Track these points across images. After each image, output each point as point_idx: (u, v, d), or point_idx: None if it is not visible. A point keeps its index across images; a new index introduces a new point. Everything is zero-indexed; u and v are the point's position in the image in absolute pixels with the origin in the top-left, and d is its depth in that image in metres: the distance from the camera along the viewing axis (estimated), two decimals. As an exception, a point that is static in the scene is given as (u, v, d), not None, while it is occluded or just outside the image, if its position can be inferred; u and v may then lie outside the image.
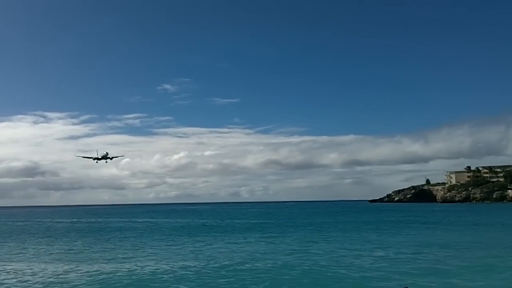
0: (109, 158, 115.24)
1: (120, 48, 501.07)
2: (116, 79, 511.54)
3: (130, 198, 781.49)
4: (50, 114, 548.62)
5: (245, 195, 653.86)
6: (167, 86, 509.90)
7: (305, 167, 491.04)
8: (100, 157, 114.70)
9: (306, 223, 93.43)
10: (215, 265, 35.32)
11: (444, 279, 28.72)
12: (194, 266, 34.86)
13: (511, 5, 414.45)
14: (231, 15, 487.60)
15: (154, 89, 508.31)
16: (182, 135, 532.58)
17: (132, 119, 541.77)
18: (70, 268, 34.70)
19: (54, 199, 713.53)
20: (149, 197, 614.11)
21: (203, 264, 36.15)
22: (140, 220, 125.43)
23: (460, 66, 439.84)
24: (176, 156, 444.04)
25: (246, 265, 35.17)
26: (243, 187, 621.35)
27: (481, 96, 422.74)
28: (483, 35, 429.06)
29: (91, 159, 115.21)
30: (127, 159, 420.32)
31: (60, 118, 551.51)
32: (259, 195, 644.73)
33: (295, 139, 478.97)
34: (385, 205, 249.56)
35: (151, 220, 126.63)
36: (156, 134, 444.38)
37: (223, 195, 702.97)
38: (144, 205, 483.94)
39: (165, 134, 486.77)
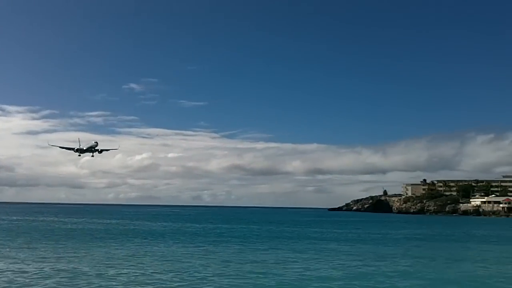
0: (97, 150, 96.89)
1: (87, 43, 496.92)
2: (81, 75, 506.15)
3: (88, 197, 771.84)
4: (9, 108, 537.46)
5: (207, 199, 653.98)
6: (133, 86, 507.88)
7: (269, 173, 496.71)
8: (84, 148, 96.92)
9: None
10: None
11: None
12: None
13: (466, 24, 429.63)
14: (203, 18, 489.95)
15: (120, 87, 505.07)
16: (146, 136, 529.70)
17: (95, 116, 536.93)
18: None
19: (8, 195, 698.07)
20: (109, 197, 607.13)
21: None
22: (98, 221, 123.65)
23: (420, 84, 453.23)
24: (138, 157, 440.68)
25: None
26: (205, 191, 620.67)
27: (438, 114, 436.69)
28: (440, 54, 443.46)
29: (72, 151, 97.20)
30: (87, 157, 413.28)
31: (19, 112, 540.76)
32: (222, 200, 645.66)
33: (260, 145, 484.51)
34: (343, 213, 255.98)
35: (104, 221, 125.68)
36: (120, 133, 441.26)
37: (185, 198, 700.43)
38: (102, 205, 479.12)
39: (129, 134, 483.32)
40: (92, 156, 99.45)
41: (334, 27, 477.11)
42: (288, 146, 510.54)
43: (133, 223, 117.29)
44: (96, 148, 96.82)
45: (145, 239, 65.73)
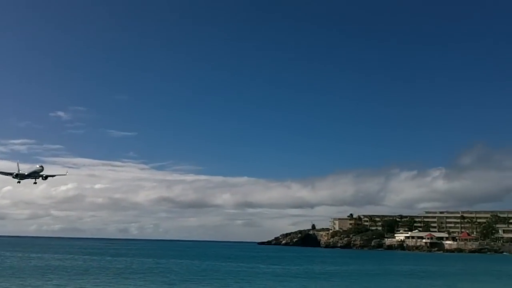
0: (41, 176, 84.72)
1: (15, 68, 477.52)
2: (6, 101, 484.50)
3: (9, 229, 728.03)
4: None
5: (134, 232, 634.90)
6: (60, 114, 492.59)
7: (198, 206, 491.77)
8: (26, 174, 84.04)
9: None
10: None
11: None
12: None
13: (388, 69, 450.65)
14: (133, 47, 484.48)
15: (46, 115, 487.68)
16: (72, 166, 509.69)
17: (18, 144, 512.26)
18: None
19: None
20: (31, 229, 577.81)
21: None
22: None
23: (347, 119, 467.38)
24: (63, 187, 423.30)
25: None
26: (133, 223, 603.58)
27: (365, 149, 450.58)
28: (365, 95, 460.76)
29: (10, 177, 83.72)
30: (8, 187, 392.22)
31: None
32: (149, 233, 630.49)
33: (190, 177, 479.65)
34: (272, 247, 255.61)
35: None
36: (44, 162, 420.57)
37: (112, 231, 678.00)
38: (24, 237, 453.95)
39: (54, 163, 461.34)
40: (35, 183, 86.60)
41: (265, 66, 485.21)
42: (218, 178, 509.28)
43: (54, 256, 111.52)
44: (40, 173, 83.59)
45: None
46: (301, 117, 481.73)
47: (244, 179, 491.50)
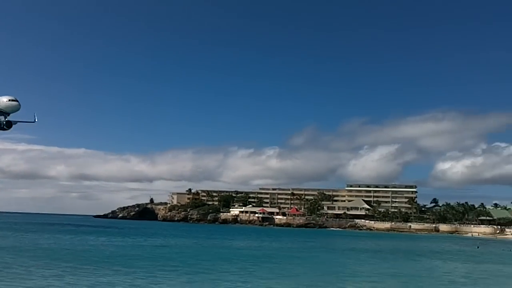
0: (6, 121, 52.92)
1: None
2: None
3: None
4: None
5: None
6: None
7: (31, 177, 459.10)
8: None
9: None
10: None
11: None
12: None
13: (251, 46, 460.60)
14: None
15: None
16: None
17: None
18: None
19: None
20: None
21: None
22: None
23: (188, 100, 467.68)
24: None
25: None
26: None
27: (205, 129, 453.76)
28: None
29: None
30: None
31: None
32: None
33: (21, 146, 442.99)
34: (108, 221, 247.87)
35: None
36: None
37: None
38: None
39: None
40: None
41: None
42: (53, 149, 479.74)
43: None
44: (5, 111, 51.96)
45: None
46: (147, 83, 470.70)
47: (82, 150, 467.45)
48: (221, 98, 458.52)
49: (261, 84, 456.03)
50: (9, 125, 55.23)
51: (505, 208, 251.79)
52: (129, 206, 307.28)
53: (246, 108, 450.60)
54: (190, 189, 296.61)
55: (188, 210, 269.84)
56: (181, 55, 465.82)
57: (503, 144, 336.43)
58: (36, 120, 60.74)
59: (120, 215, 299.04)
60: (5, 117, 53.40)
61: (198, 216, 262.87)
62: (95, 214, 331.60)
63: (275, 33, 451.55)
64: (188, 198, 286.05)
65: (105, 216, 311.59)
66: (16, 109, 52.01)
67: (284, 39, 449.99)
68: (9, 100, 51.75)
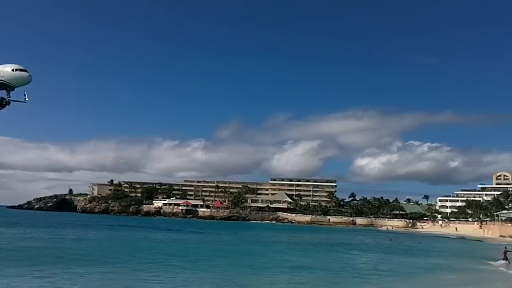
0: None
1: None
2: None
3: None
4: None
5: None
6: None
7: None
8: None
9: None
10: None
11: None
12: None
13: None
14: None
15: None
16: None
17: None
18: None
19: None
20: None
21: None
22: None
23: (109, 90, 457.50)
24: None
25: None
26: None
27: (126, 120, 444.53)
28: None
29: None
30: None
31: None
32: None
33: None
34: (23, 212, 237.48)
35: None
36: None
37: None
38: None
39: None
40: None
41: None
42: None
43: None
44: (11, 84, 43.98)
45: None
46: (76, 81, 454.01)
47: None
48: (147, 90, 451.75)
49: (187, 78, 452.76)
50: (2, 103, 44.86)
51: (417, 203, 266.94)
52: (46, 196, 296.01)
53: (173, 101, 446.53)
54: (112, 180, 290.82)
55: (110, 201, 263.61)
56: (102, 46, 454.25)
57: (416, 143, 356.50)
58: (27, 99, 46.20)
59: (37, 206, 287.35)
60: (9, 92, 43.66)
61: (120, 208, 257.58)
62: (9, 205, 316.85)
63: (198, 26, 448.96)
64: (110, 190, 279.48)
65: (20, 207, 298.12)
66: (27, 81, 43.03)
67: (209, 34, 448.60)
68: (17, 70, 42.72)
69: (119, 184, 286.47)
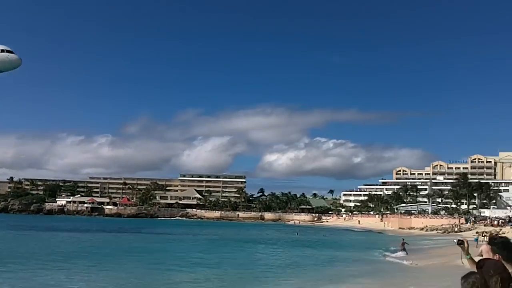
0: None
1: None
2: None
3: None
4: None
5: None
6: None
7: None
8: None
9: None
10: None
11: None
12: None
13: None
14: None
15: None
16: None
17: None
18: None
19: None
20: None
21: None
22: None
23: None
24: None
25: None
26: None
27: (27, 114, 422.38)
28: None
29: None
30: None
31: None
32: None
33: None
34: None
35: None
36: None
37: None
38: None
39: None
40: None
41: None
42: None
43: None
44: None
45: None
46: None
47: None
48: (49, 84, 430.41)
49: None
50: None
51: (322, 197, 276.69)
52: None
53: (81, 95, 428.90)
54: (11, 178, 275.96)
55: (9, 200, 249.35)
56: None
57: (323, 139, 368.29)
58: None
59: None
60: None
61: (20, 206, 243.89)
62: None
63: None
64: (9, 187, 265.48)
65: None
66: (16, 65, 35.25)
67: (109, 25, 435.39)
68: (3, 50, 33.92)
69: (20, 182, 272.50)
